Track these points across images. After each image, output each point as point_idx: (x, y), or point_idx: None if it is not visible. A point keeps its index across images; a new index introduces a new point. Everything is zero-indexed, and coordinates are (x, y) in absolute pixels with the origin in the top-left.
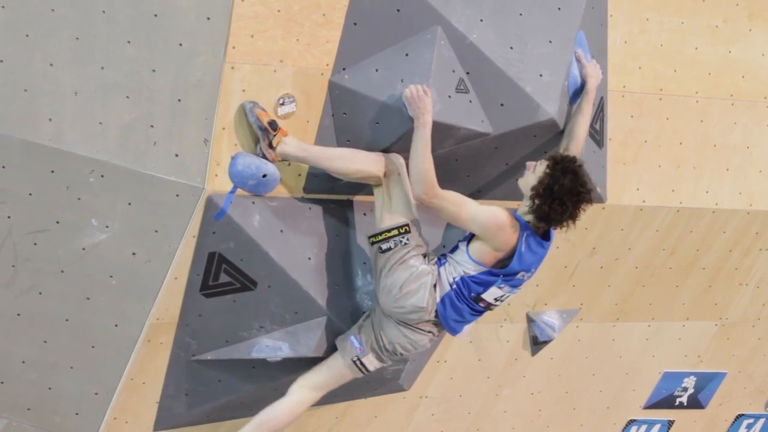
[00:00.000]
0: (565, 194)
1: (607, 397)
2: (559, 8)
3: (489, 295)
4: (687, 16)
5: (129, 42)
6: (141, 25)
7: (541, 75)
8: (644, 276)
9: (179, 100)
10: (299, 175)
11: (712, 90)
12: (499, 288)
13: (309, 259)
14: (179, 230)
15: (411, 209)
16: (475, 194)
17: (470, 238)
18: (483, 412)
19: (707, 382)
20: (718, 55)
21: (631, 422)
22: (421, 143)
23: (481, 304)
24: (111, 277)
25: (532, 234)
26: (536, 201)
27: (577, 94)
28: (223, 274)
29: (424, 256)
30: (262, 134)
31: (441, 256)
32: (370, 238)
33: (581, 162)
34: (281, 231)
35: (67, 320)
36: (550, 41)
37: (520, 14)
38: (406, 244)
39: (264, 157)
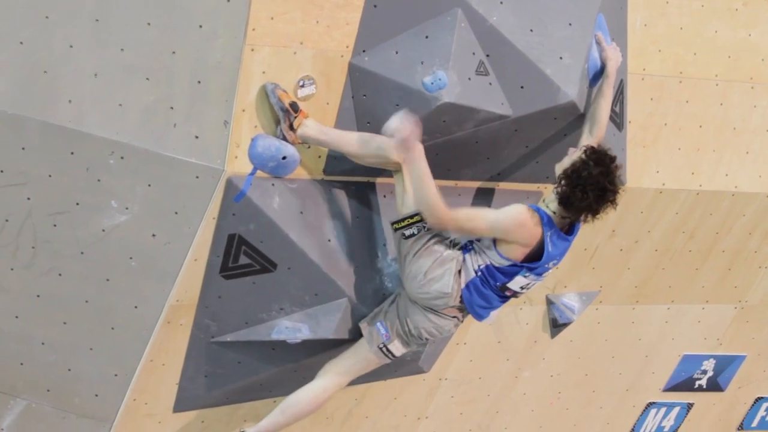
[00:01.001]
0: (590, 183)
1: (627, 380)
2: None
3: (515, 284)
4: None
5: (149, 24)
6: (161, 7)
7: (561, 58)
8: (664, 259)
9: (199, 82)
10: (319, 156)
11: (731, 73)
12: (525, 277)
13: (329, 240)
14: (199, 212)
15: None
16: (495, 177)
17: None
18: (502, 394)
19: (726, 365)
20: (738, 38)
21: (650, 405)
22: (418, 177)
23: (507, 293)
24: (131, 258)
25: (556, 231)
26: (563, 182)
27: (597, 77)
28: (243, 255)
29: (450, 241)
30: (284, 115)
31: (467, 242)
32: (392, 224)
33: (619, 165)
34: (301, 213)
35: (86, 302)
36: (570, 24)
37: None
38: (429, 229)
39: (284, 138)
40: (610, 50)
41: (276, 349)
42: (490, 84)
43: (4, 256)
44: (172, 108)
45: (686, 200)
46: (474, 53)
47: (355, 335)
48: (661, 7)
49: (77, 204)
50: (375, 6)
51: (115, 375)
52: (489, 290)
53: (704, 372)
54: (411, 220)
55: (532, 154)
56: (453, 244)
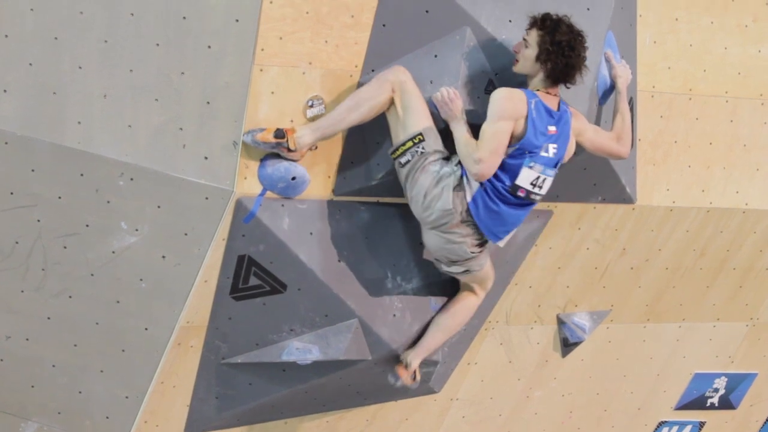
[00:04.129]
0: (570, 41)
1: (638, 399)
2: (588, 8)
3: (523, 179)
4: (716, 16)
5: (158, 44)
6: (169, 28)
7: None
8: (674, 277)
9: (208, 102)
10: (329, 177)
11: (741, 90)
12: (530, 168)
13: (339, 261)
14: (209, 233)
15: (424, 118)
16: None
17: None
18: (514, 414)
19: (738, 382)
20: (747, 54)
21: (662, 423)
22: (463, 139)
23: (520, 193)
24: (141, 280)
25: (540, 101)
26: (549, 65)
27: (607, 94)
28: (253, 277)
29: (447, 159)
30: (278, 148)
31: None
32: (390, 154)
33: (555, 13)
34: (311, 234)
35: (97, 324)
36: None
37: None
38: (422, 153)
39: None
40: (619, 68)
41: (287, 371)
42: None
43: (15, 278)
44: (181, 129)
45: (696, 218)
46: (483, 72)
47: (366, 356)
48: (671, 24)
49: (87, 226)
50: (384, 25)
51: (126, 397)
52: (499, 202)
53: (716, 390)
54: (404, 147)
55: None
56: (449, 160)
